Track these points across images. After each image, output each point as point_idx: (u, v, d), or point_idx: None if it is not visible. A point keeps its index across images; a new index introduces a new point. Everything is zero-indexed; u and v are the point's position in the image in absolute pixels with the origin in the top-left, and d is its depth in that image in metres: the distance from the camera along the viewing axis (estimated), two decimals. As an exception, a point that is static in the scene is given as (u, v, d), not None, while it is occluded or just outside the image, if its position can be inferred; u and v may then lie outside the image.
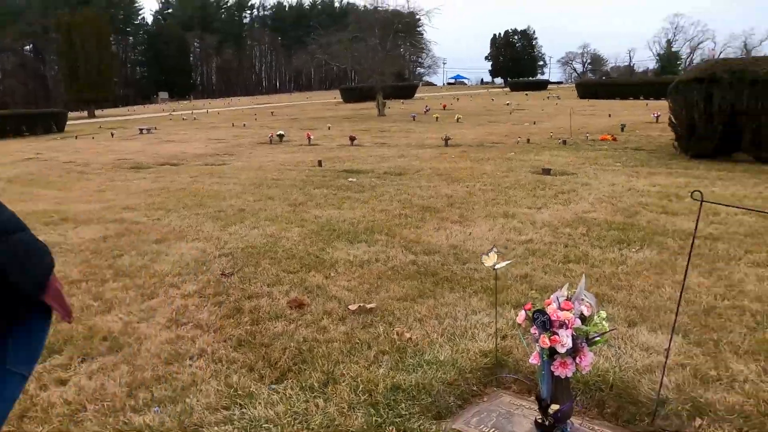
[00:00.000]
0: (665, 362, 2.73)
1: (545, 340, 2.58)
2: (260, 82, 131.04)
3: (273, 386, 3.07)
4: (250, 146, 18.85)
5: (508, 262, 3.25)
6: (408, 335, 3.68)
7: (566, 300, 2.69)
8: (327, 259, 5.37)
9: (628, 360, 3.19)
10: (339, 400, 2.90)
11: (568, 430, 2.74)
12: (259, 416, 2.73)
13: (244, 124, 30.37)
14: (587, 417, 2.88)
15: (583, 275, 2.74)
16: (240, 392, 2.98)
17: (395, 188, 9.23)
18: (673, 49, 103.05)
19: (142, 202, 8.90)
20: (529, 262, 5.10)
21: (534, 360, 2.73)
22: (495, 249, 3.13)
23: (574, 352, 2.61)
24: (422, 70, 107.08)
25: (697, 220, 2.79)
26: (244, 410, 2.80)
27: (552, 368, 2.63)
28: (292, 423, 2.68)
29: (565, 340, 2.55)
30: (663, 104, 15.27)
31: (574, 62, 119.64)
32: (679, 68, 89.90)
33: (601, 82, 63.49)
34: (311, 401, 2.89)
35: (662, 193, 7.98)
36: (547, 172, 10.51)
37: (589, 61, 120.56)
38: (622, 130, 18.69)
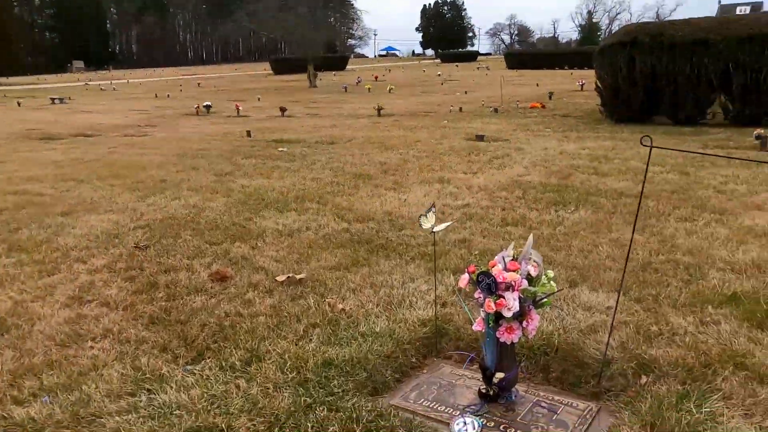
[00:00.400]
0: (611, 323, 2.59)
1: (490, 305, 2.37)
2: (185, 53, 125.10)
3: (188, 367, 2.73)
4: (174, 118, 17.81)
5: (448, 224, 3.02)
6: (341, 306, 3.41)
7: (512, 260, 2.48)
8: (254, 229, 5.00)
9: (571, 321, 3.05)
10: (263, 379, 2.60)
11: (513, 398, 2.56)
12: (170, 402, 2.39)
13: (168, 95, 28.81)
14: (532, 383, 2.71)
15: (531, 234, 2.54)
16: (149, 376, 2.62)
17: (327, 157, 8.87)
18: (593, 20, 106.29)
19: (49, 173, 8.12)
20: (467, 226, 4.92)
21: (477, 327, 2.52)
22: (434, 209, 2.88)
23: (520, 315, 2.42)
24: (354, 42, 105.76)
25: (647, 165, 2.63)
26: (152, 396, 2.45)
27: (497, 334, 2.42)
28: (208, 408, 2.36)
29: (511, 303, 2.35)
30: (586, 73, 15.55)
31: (501, 33, 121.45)
32: (599, 39, 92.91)
33: (528, 52, 64.80)
34: (231, 382, 2.57)
35: (592, 156, 8.03)
36: (480, 138, 10.42)
37: (516, 32, 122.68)
38: (550, 98, 19.00)
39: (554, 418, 2.43)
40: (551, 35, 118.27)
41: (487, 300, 2.40)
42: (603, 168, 7.13)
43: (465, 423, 2.35)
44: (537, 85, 26.25)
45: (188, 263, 4.17)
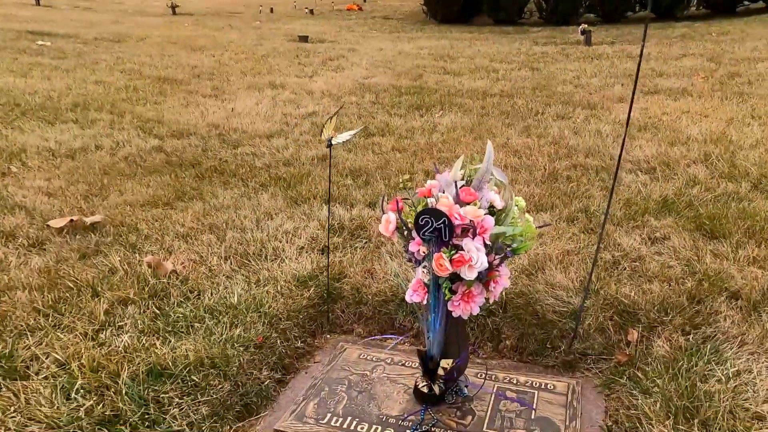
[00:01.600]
0: (590, 272, 1.80)
1: (443, 264, 1.42)
2: None
3: None
4: None
5: (354, 132, 1.92)
6: (169, 266, 2.22)
7: (465, 186, 1.53)
8: (6, 147, 3.39)
9: (509, 264, 2.24)
10: (22, 419, 1.40)
11: (466, 392, 1.70)
12: None
13: None
14: (479, 358, 1.88)
15: (489, 142, 1.59)
16: None
17: (114, 56, 6.94)
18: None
19: None
20: (322, 139, 3.85)
21: (414, 297, 1.56)
22: (337, 113, 1.79)
23: (486, 273, 1.51)
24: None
25: (642, 50, 1.79)
26: None
27: (451, 306, 1.50)
28: None
29: (476, 256, 1.41)
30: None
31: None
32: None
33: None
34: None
35: (434, 55, 7.29)
36: (304, 39, 9.13)
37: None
38: (365, 0, 17.99)
39: (533, 416, 1.62)
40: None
41: (437, 257, 1.44)
42: (452, 67, 6.43)
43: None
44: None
45: None
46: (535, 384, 1.74)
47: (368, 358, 1.86)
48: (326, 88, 5.38)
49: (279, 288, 2.07)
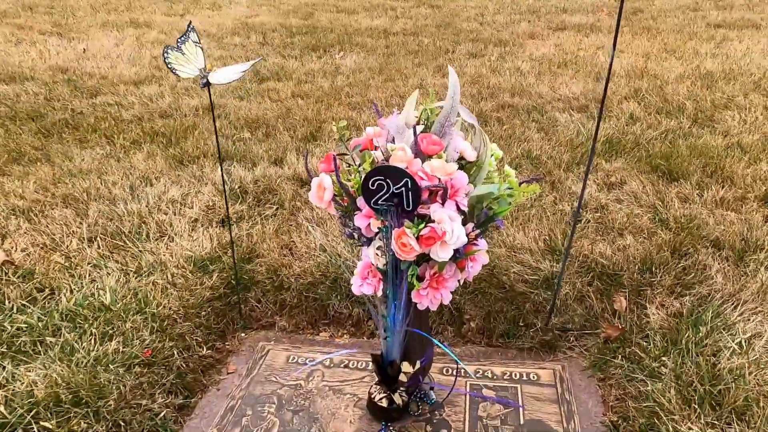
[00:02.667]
0: (572, 229, 1.44)
1: (409, 243, 0.99)
2: None
3: None
4: None
5: (247, 66, 1.38)
6: (1, 256, 1.61)
7: (424, 131, 1.10)
8: None
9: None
10: None
11: (434, 396, 1.31)
12: None
13: None
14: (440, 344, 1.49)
15: (452, 70, 1.14)
16: None
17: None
18: None
19: None
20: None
21: (366, 289, 1.12)
22: (192, 33, 1.26)
23: (463, 250, 1.09)
24: None
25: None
26: None
27: (416, 297, 1.08)
28: None
29: (450, 229, 0.99)
30: None
31: None
32: None
33: None
34: None
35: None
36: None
37: None
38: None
39: (522, 419, 1.27)
40: None
41: (398, 234, 1.01)
42: (345, 5, 5.86)
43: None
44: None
45: None
46: (515, 375, 1.39)
47: (300, 360, 1.42)
48: (203, 28, 4.64)
49: (169, 277, 1.54)
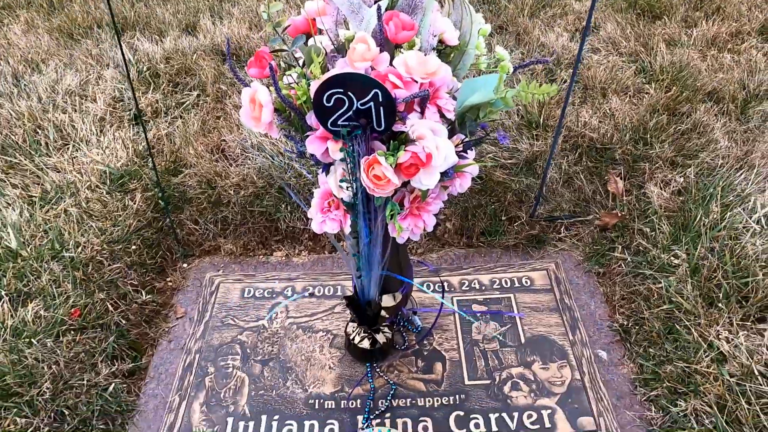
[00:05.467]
0: (566, 98, 1.17)
1: (385, 175, 0.73)
2: None
3: None
4: None
5: None
6: None
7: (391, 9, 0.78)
8: None
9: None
10: None
11: (419, 322, 1.15)
12: None
13: None
14: (414, 253, 1.30)
15: None
16: None
17: None
18: None
19: None
20: None
21: (328, 227, 0.87)
22: None
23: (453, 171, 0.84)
24: None
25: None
26: None
27: (394, 232, 0.84)
28: None
29: (436, 148, 0.73)
30: None
31: None
32: None
33: None
34: None
35: None
36: None
37: None
38: None
39: (523, 337, 1.13)
40: None
41: (368, 163, 0.74)
42: None
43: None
44: None
45: None
46: (506, 282, 1.23)
47: (257, 293, 1.21)
48: None
49: (83, 204, 1.25)
